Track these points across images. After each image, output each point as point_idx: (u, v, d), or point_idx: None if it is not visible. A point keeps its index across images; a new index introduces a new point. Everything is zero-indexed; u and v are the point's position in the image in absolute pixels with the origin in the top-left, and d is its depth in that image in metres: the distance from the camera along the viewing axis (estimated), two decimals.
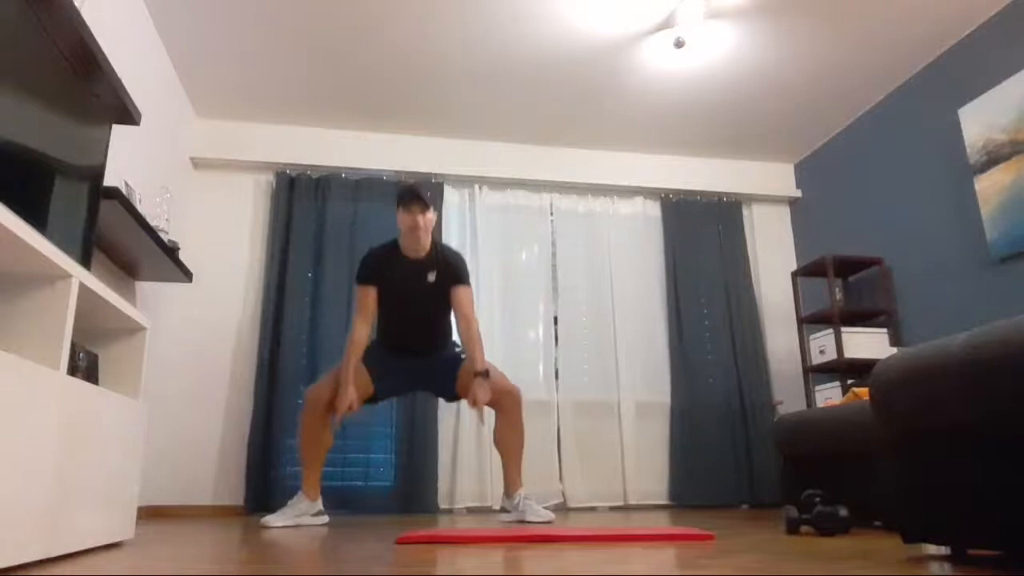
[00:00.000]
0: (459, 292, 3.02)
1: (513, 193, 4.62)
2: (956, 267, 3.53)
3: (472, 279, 4.15)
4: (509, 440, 2.97)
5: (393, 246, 3.00)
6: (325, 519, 2.98)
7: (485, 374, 2.91)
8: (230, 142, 4.32)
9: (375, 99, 4.13)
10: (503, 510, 3.02)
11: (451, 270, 3.03)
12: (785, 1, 3.30)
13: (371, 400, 3.07)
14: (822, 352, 4.00)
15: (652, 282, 4.61)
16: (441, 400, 4.05)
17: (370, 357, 2.99)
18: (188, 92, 4.03)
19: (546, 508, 3.90)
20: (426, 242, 2.95)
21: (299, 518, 2.88)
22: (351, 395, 2.87)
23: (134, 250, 2.97)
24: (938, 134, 3.68)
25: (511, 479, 2.98)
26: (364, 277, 3.00)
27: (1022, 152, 3.14)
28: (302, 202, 4.29)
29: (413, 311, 3.02)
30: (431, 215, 2.93)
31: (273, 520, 2.81)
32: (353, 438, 3.94)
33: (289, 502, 2.93)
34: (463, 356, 3.04)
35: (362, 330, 2.96)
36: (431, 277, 2.98)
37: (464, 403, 4.07)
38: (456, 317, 3.05)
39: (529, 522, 2.83)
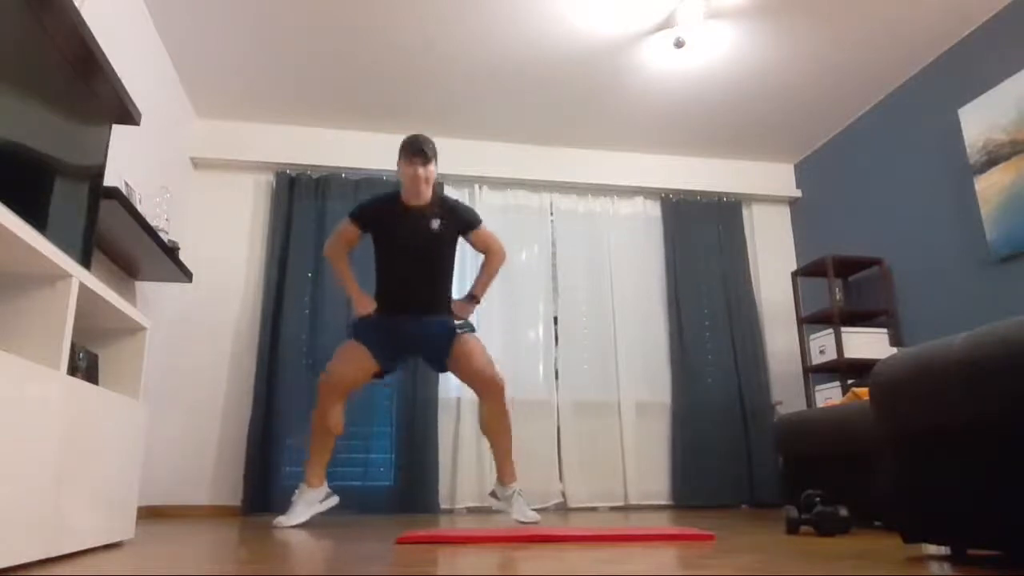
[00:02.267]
0: (478, 235, 3.07)
1: (513, 193, 4.62)
2: (956, 267, 3.53)
3: (472, 278, 4.17)
4: (493, 427, 2.95)
5: (395, 197, 3.01)
6: (335, 500, 2.98)
7: (475, 299, 3.09)
8: (230, 142, 4.32)
9: (375, 99, 4.13)
10: (493, 495, 2.99)
11: (458, 216, 3.04)
12: (785, 1, 3.30)
13: (379, 375, 3.03)
14: (822, 352, 4.00)
15: (652, 282, 4.61)
16: (441, 400, 4.06)
17: (368, 335, 2.96)
18: (188, 92, 4.03)
19: (546, 508, 3.95)
20: (427, 193, 2.96)
21: (310, 509, 2.87)
22: (365, 301, 2.98)
23: (134, 250, 2.97)
24: (938, 134, 3.68)
25: (503, 469, 2.95)
26: (358, 215, 3.02)
27: (1022, 152, 3.14)
28: (302, 202, 4.29)
29: (415, 262, 2.99)
30: (433, 167, 2.95)
31: (286, 520, 2.79)
32: (353, 438, 3.94)
33: (294, 498, 2.89)
34: (459, 330, 3.00)
35: (337, 248, 3.04)
36: (435, 224, 2.97)
37: (464, 402, 4.09)
38: (486, 257, 3.11)
39: (514, 518, 2.83)
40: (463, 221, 3.06)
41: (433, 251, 3.01)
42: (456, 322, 3.03)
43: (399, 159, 2.95)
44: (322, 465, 2.93)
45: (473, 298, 3.10)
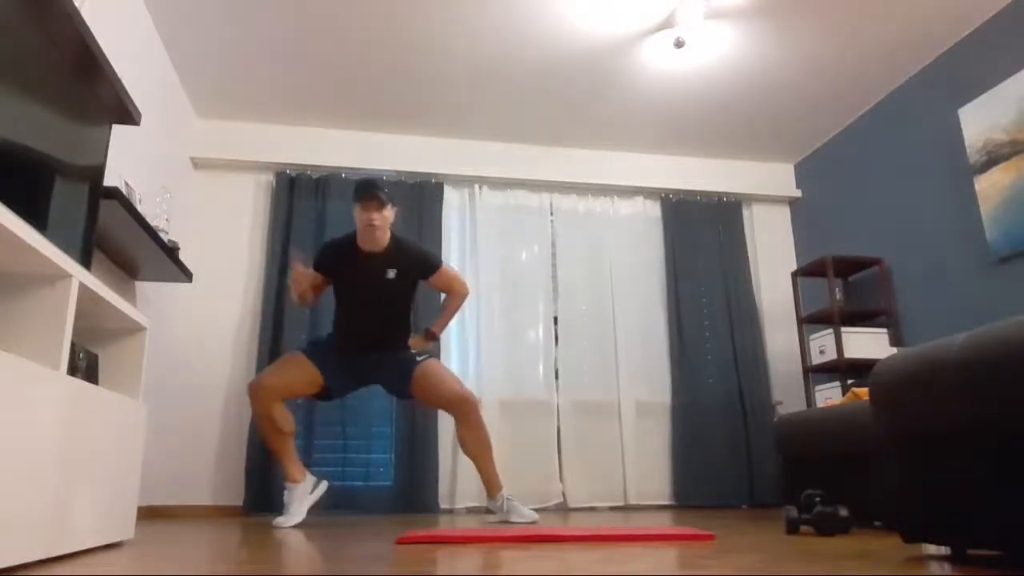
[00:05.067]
0: (439, 278, 3.05)
1: (513, 193, 4.62)
2: (956, 267, 3.53)
3: (472, 279, 4.17)
4: (472, 445, 2.98)
5: (351, 239, 2.96)
6: (324, 485, 3.04)
7: (432, 336, 3.16)
8: (230, 142, 4.32)
9: (375, 99, 4.13)
10: (488, 511, 3.03)
11: (415, 263, 3.00)
12: (785, 1, 3.30)
13: (324, 397, 3.06)
14: (822, 352, 4.00)
15: (652, 282, 4.61)
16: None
17: (321, 356, 2.98)
18: (188, 92, 4.03)
19: (546, 508, 3.95)
20: (383, 238, 2.90)
21: (304, 503, 2.92)
22: (301, 282, 2.91)
23: (134, 250, 2.97)
24: (938, 134, 3.68)
25: (489, 481, 2.99)
26: (316, 262, 3.02)
27: (1022, 152, 3.14)
28: (302, 202, 4.29)
29: (369, 305, 2.99)
30: (388, 211, 2.87)
31: (285, 521, 2.83)
32: (353, 438, 3.94)
33: (286, 499, 2.93)
34: (419, 359, 3.04)
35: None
36: (390, 273, 2.95)
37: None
38: (448, 297, 3.13)
39: (513, 522, 2.83)
40: (420, 268, 3.02)
41: (387, 298, 3.00)
42: (411, 351, 3.07)
43: (354, 204, 2.87)
44: (293, 460, 2.95)
45: (430, 335, 3.14)
